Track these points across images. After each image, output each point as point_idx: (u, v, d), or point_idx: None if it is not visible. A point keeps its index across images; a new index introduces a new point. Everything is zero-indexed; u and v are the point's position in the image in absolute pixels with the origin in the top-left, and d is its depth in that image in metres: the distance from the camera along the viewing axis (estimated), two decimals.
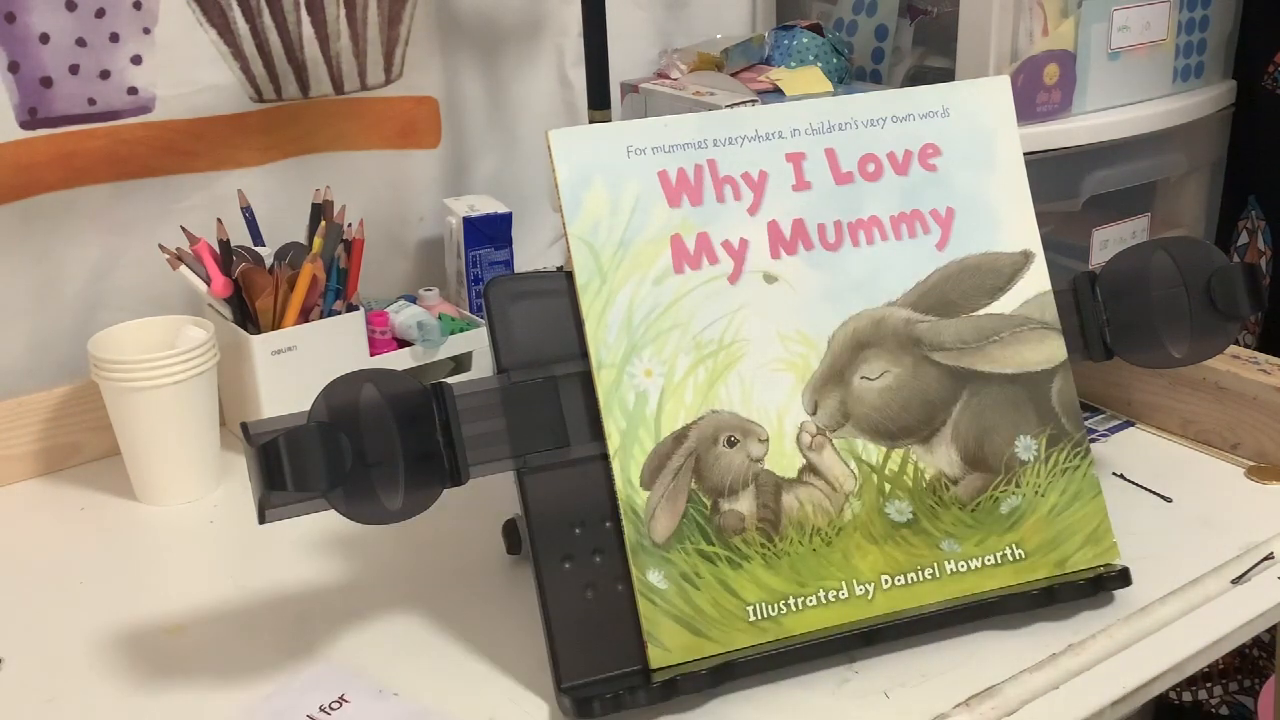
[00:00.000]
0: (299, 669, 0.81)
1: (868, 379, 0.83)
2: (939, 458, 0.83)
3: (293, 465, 0.72)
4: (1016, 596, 0.82)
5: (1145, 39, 1.22)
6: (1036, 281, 0.87)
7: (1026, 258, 0.87)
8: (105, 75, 1.10)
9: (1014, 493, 0.84)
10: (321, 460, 0.72)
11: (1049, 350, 0.86)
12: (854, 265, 0.84)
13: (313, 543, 0.96)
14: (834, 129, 0.86)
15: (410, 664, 0.82)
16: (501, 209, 1.26)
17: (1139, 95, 1.23)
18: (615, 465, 0.78)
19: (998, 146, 0.88)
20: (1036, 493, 0.84)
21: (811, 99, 0.89)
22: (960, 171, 0.87)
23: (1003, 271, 0.87)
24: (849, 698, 0.77)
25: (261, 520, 0.73)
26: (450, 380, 0.78)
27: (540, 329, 0.79)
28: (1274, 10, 1.30)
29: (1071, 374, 0.87)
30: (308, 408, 0.74)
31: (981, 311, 0.86)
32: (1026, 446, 0.85)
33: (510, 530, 0.92)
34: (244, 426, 0.73)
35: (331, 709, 0.77)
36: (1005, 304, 0.86)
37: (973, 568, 0.82)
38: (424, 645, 0.84)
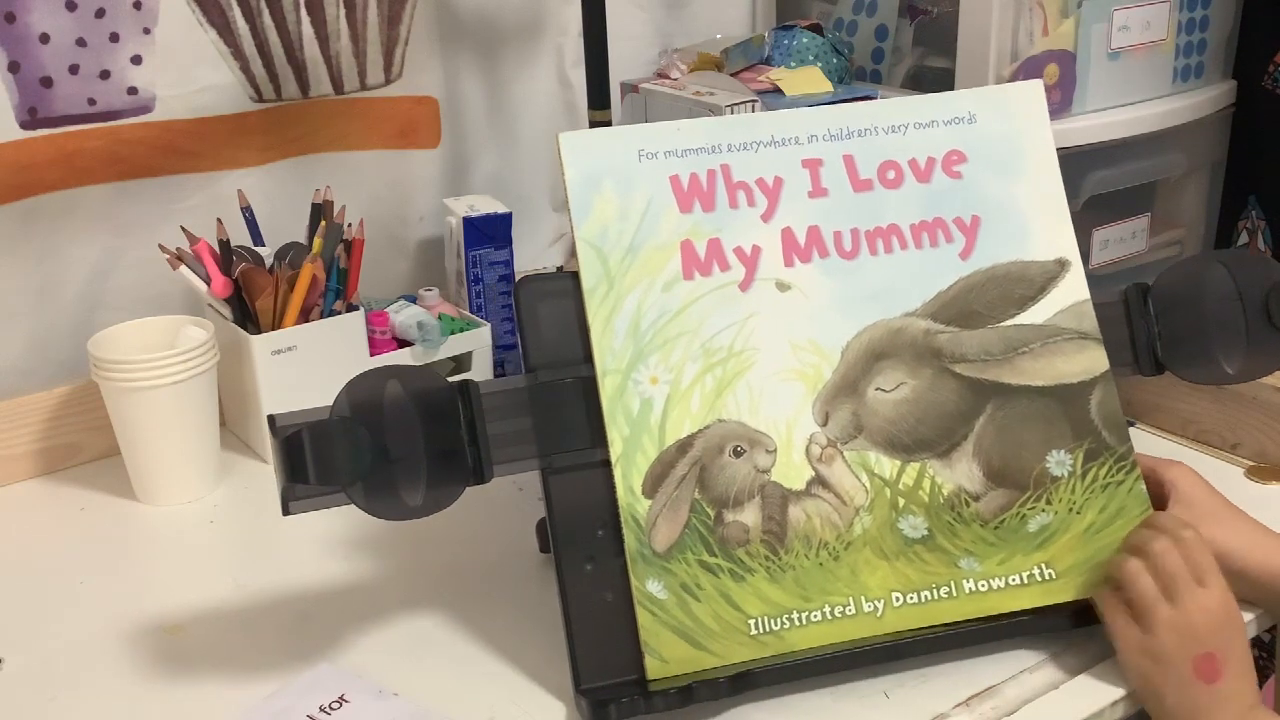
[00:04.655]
0: (299, 669, 0.81)
1: (883, 390, 0.81)
2: (959, 473, 0.81)
3: (315, 458, 0.72)
4: (1046, 618, 0.79)
5: (1145, 39, 1.21)
6: (1073, 290, 0.84)
7: (1061, 266, 0.85)
8: (105, 75, 1.09)
9: (1044, 510, 0.81)
10: (344, 454, 0.72)
11: (1087, 361, 0.84)
12: (871, 274, 0.82)
13: (313, 543, 0.96)
14: (853, 135, 0.84)
15: (410, 664, 0.82)
16: (501, 209, 1.25)
17: (1139, 95, 1.23)
18: (617, 472, 0.77)
19: (1029, 152, 0.87)
20: (1071, 510, 0.81)
21: (831, 104, 0.87)
22: (987, 179, 0.85)
23: (1033, 281, 0.84)
24: (849, 697, 0.77)
25: (285, 512, 0.73)
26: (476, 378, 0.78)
27: (569, 330, 0.79)
28: (1274, 10, 1.30)
29: (1114, 385, 0.84)
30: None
31: (1009, 322, 0.83)
32: (1060, 462, 0.82)
33: (544, 529, 0.90)
34: (270, 419, 0.73)
35: (331, 709, 0.77)
36: (1036, 314, 0.84)
37: (994, 587, 0.80)
38: (424, 645, 0.84)
